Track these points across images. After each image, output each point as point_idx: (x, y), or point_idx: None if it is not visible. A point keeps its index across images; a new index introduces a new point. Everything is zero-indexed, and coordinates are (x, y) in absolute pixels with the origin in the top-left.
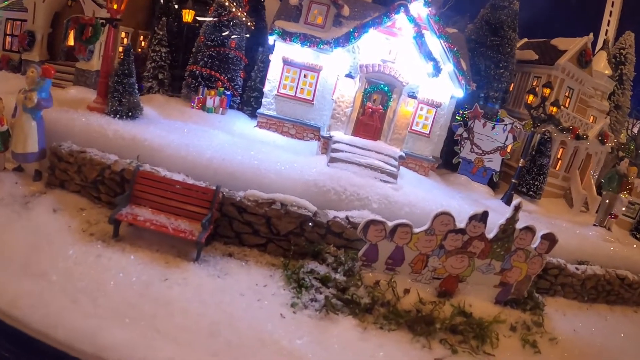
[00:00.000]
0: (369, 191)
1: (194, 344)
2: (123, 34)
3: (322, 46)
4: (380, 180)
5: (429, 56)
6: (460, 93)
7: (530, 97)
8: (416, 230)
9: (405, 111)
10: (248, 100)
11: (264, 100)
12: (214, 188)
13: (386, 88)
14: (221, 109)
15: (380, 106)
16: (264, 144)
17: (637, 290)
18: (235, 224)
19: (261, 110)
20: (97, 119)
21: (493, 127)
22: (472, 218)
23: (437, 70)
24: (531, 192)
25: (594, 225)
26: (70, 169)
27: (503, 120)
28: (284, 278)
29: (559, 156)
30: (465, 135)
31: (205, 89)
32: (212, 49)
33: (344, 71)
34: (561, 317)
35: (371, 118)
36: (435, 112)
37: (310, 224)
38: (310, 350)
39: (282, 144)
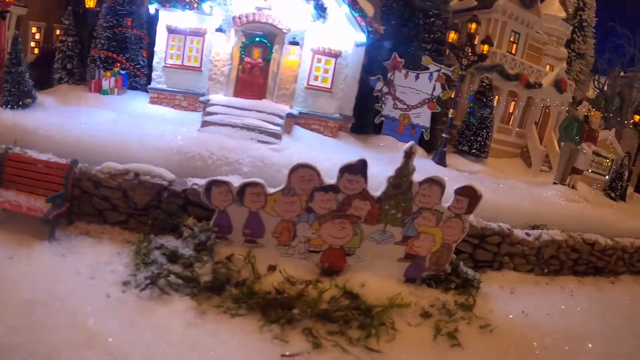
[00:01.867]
0: (241, 154)
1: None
2: (34, 29)
3: (201, 7)
4: (258, 141)
5: None
6: (362, 38)
7: (452, 35)
8: (271, 190)
9: (290, 62)
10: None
11: (153, 74)
12: (67, 163)
13: (265, 39)
14: (117, 89)
15: (261, 60)
16: (150, 119)
17: (612, 257)
18: (94, 200)
19: (152, 84)
20: None
21: (417, 78)
22: (345, 170)
23: (321, 10)
24: (474, 151)
25: (554, 183)
26: None
27: (428, 68)
28: (131, 255)
29: (510, 110)
30: (385, 90)
31: (102, 71)
32: (109, 31)
33: (215, 26)
34: (507, 296)
35: (252, 75)
36: (335, 62)
37: (165, 193)
38: (116, 334)
39: (170, 117)
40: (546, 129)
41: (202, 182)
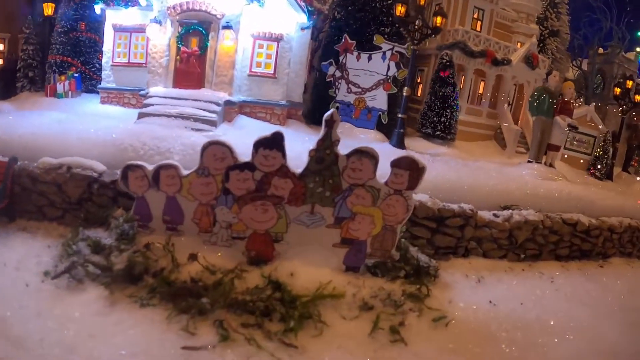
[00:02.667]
0: (172, 142)
1: None
2: None
3: (140, 4)
4: (192, 129)
5: None
6: (304, 19)
7: (399, 7)
8: (185, 172)
9: (225, 48)
10: None
11: (102, 73)
12: (6, 160)
13: (201, 27)
14: (71, 92)
15: (197, 48)
16: (97, 117)
17: (599, 239)
18: (33, 196)
19: (102, 84)
20: None
21: (369, 59)
22: (259, 145)
23: None
24: (439, 132)
25: (529, 162)
26: None
27: (380, 48)
28: (59, 248)
29: (480, 91)
30: (338, 74)
31: (57, 75)
32: (64, 35)
33: (150, 18)
34: (472, 285)
35: (189, 64)
36: (278, 46)
37: (96, 185)
38: (19, 322)
39: (117, 115)
40: (521, 109)
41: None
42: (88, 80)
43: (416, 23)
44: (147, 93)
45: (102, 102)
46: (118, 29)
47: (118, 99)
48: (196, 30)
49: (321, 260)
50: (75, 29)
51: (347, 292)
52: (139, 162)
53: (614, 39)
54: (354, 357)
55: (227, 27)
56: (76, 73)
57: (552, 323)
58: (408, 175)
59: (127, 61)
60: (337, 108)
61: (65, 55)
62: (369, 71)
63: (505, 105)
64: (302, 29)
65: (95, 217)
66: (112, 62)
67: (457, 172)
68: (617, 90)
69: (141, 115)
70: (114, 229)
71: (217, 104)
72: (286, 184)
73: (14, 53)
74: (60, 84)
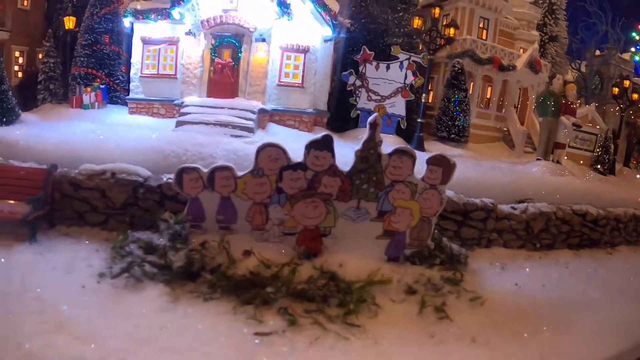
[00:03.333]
0: (214, 148)
1: None
2: (17, 53)
3: (172, 17)
4: (231, 135)
5: None
6: (328, 32)
7: (416, 20)
8: (240, 173)
9: (258, 59)
10: None
11: (131, 85)
12: (46, 168)
13: (234, 40)
14: (97, 103)
15: (231, 60)
16: (128, 127)
17: (606, 228)
18: (74, 203)
19: (130, 95)
20: None
21: (388, 68)
22: (311, 146)
23: (284, 7)
24: (454, 136)
25: (537, 159)
26: None
27: (398, 58)
28: (109, 251)
29: (488, 96)
30: (358, 83)
31: (82, 87)
32: (88, 48)
33: (185, 31)
34: (497, 272)
35: (223, 75)
36: (305, 57)
37: (141, 190)
38: (86, 319)
39: (148, 124)
40: (526, 111)
41: None
42: (112, 92)
43: (431, 34)
44: (182, 103)
45: (131, 113)
46: (147, 42)
47: (147, 110)
48: (229, 43)
49: (366, 252)
50: (99, 41)
51: (392, 279)
52: (194, 165)
53: (609, 41)
54: (410, 332)
55: (261, 39)
56: (102, 85)
57: (572, 301)
58: (441, 171)
59: (156, 72)
60: (358, 115)
61: (90, 67)
62: (387, 80)
63: (512, 108)
64: (326, 40)
65: (141, 221)
66: (141, 73)
67: (475, 171)
68: (615, 90)
69: (179, 124)
70: (164, 230)
71: (252, 112)
72: (335, 182)
73: (33, 66)
74: (86, 95)
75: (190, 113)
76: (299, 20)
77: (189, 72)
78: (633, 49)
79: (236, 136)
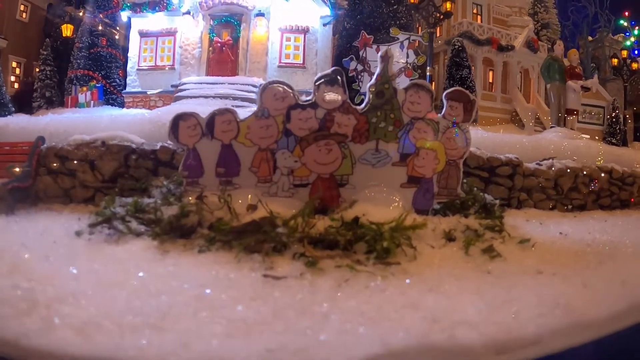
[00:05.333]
0: None
1: None
2: (14, 64)
3: (170, 8)
4: (232, 106)
5: None
6: (327, 12)
7: None
8: (242, 116)
9: (258, 36)
10: None
11: (127, 79)
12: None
13: (232, 19)
14: (93, 102)
15: (230, 38)
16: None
17: (634, 187)
18: (60, 179)
19: (126, 89)
20: None
21: None
22: (319, 81)
23: None
24: None
25: (552, 127)
26: None
27: (398, 38)
28: (91, 217)
29: (490, 80)
30: (360, 68)
31: (78, 87)
32: (85, 51)
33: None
34: (537, 226)
35: (223, 54)
36: (304, 38)
37: (134, 156)
38: (50, 264)
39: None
40: (530, 93)
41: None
42: (108, 95)
43: (427, 8)
44: (180, 83)
45: (127, 107)
46: (144, 35)
47: (144, 103)
48: (228, 22)
49: (391, 202)
50: (97, 44)
51: (427, 225)
52: (192, 111)
53: (600, 21)
54: (461, 270)
55: (260, 14)
56: (98, 84)
57: (626, 242)
58: (462, 107)
59: (153, 64)
60: (362, 100)
61: (86, 69)
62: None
63: (516, 89)
64: (324, 24)
65: (132, 190)
66: (138, 66)
67: (494, 134)
68: (614, 61)
69: (177, 99)
70: (157, 192)
71: (254, 86)
72: (349, 120)
73: (30, 77)
74: (82, 94)
75: (188, 89)
76: (296, 1)
77: (187, 53)
78: (622, 35)
79: (238, 107)
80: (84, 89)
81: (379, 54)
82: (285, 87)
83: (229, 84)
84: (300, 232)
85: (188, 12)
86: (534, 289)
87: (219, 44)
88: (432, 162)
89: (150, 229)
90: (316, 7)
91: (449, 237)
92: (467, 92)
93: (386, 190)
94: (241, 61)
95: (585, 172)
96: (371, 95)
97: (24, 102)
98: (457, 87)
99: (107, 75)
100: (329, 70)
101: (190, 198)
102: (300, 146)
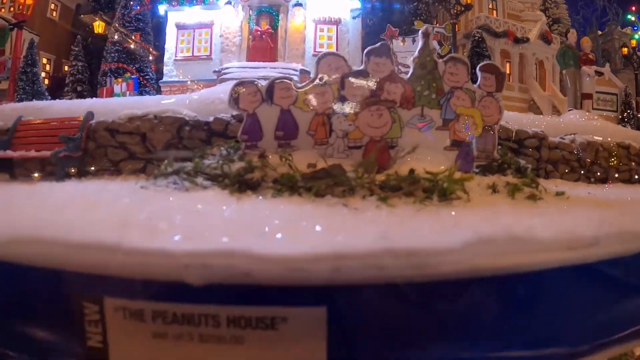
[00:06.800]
0: None
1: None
2: (45, 60)
3: (207, 1)
4: None
5: None
6: (357, 4)
7: None
8: (300, 84)
9: (296, 25)
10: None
11: (164, 69)
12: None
13: (271, 9)
14: (129, 92)
15: (269, 27)
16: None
17: None
18: (110, 151)
19: (163, 79)
20: None
21: (414, 41)
22: (370, 53)
23: None
24: None
25: (569, 110)
26: None
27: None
28: (150, 179)
29: (507, 72)
30: None
31: (113, 78)
32: (118, 45)
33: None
34: (565, 189)
35: (262, 41)
36: (337, 29)
37: (187, 127)
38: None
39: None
40: (545, 84)
41: (226, 114)
42: (142, 87)
43: (451, 1)
44: (222, 68)
45: None
46: (181, 27)
47: (181, 92)
48: (266, 13)
49: (437, 163)
50: (130, 39)
51: (472, 179)
52: (251, 78)
53: (608, 15)
54: (513, 205)
55: (298, 4)
56: (133, 76)
57: None
58: (494, 78)
59: (190, 55)
60: None
61: (120, 62)
62: (414, 52)
63: (532, 79)
64: (354, 17)
65: (184, 159)
66: (175, 56)
67: (517, 117)
68: (625, 50)
69: (222, 81)
70: (216, 154)
71: (294, 70)
72: (397, 88)
73: (59, 73)
74: (117, 85)
75: (232, 72)
76: None
77: (228, 40)
78: (630, 29)
79: None
80: (119, 80)
81: (420, 30)
82: (339, 57)
83: (270, 68)
84: (366, 179)
85: (229, 2)
86: (581, 213)
87: (258, 32)
88: (471, 127)
89: (217, 182)
90: (347, 0)
91: (494, 189)
92: (498, 65)
93: (432, 153)
94: (280, 49)
95: (604, 147)
96: (415, 66)
97: (54, 98)
98: (489, 62)
99: (140, 68)
100: (377, 44)
101: (252, 157)
102: (354, 111)
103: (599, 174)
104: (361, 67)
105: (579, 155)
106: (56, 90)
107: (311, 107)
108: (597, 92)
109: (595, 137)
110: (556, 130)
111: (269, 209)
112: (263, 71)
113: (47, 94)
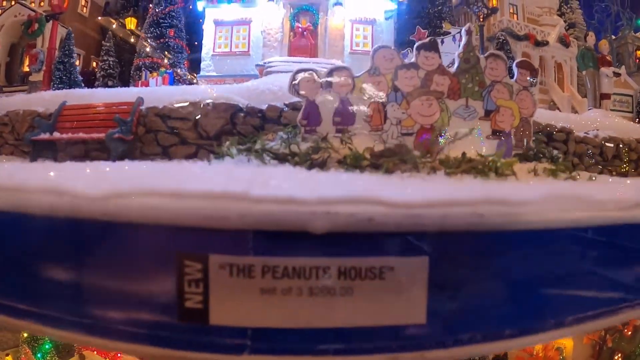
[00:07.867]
0: None
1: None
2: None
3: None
4: None
5: None
6: (392, 6)
7: None
8: (357, 74)
9: (335, 24)
10: None
11: (202, 64)
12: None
13: (311, 8)
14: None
15: (310, 24)
16: None
17: None
18: (160, 136)
19: (201, 74)
20: None
21: (442, 42)
22: (420, 48)
23: None
24: None
25: (589, 109)
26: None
27: (449, 32)
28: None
29: None
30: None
31: (148, 72)
32: (153, 40)
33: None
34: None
35: (303, 38)
36: (372, 28)
37: (241, 114)
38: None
39: None
40: (564, 86)
41: (279, 103)
42: (176, 83)
43: (477, 3)
44: (266, 62)
45: None
46: (219, 24)
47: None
48: (307, 11)
49: (480, 150)
50: (164, 35)
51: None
52: (311, 67)
53: (622, 19)
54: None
55: (338, 3)
56: (168, 70)
57: None
58: (529, 74)
59: (228, 50)
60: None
61: (155, 57)
62: (443, 52)
63: (551, 80)
64: (386, 18)
65: (239, 144)
66: (213, 52)
67: (541, 114)
68: (639, 53)
69: (267, 74)
70: (276, 138)
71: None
72: (445, 80)
73: (88, 69)
74: (152, 79)
75: (276, 66)
76: None
77: (270, 36)
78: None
79: None
80: (155, 74)
81: (464, 28)
82: (393, 51)
83: (313, 62)
84: (429, 158)
85: (271, 0)
86: (619, 187)
87: (300, 29)
88: (510, 118)
89: (286, 161)
90: (382, 1)
91: (535, 172)
92: (532, 63)
93: (475, 141)
94: (320, 46)
95: (624, 142)
96: (460, 61)
97: None
98: (524, 59)
99: (174, 64)
100: (427, 40)
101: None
102: (407, 100)
103: (622, 168)
104: (412, 60)
105: (602, 149)
106: (86, 85)
107: (367, 96)
108: (613, 93)
109: (616, 134)
110: (578, 126)
111: (355, 178)
112: (306, 66)
113: (82, 85)
